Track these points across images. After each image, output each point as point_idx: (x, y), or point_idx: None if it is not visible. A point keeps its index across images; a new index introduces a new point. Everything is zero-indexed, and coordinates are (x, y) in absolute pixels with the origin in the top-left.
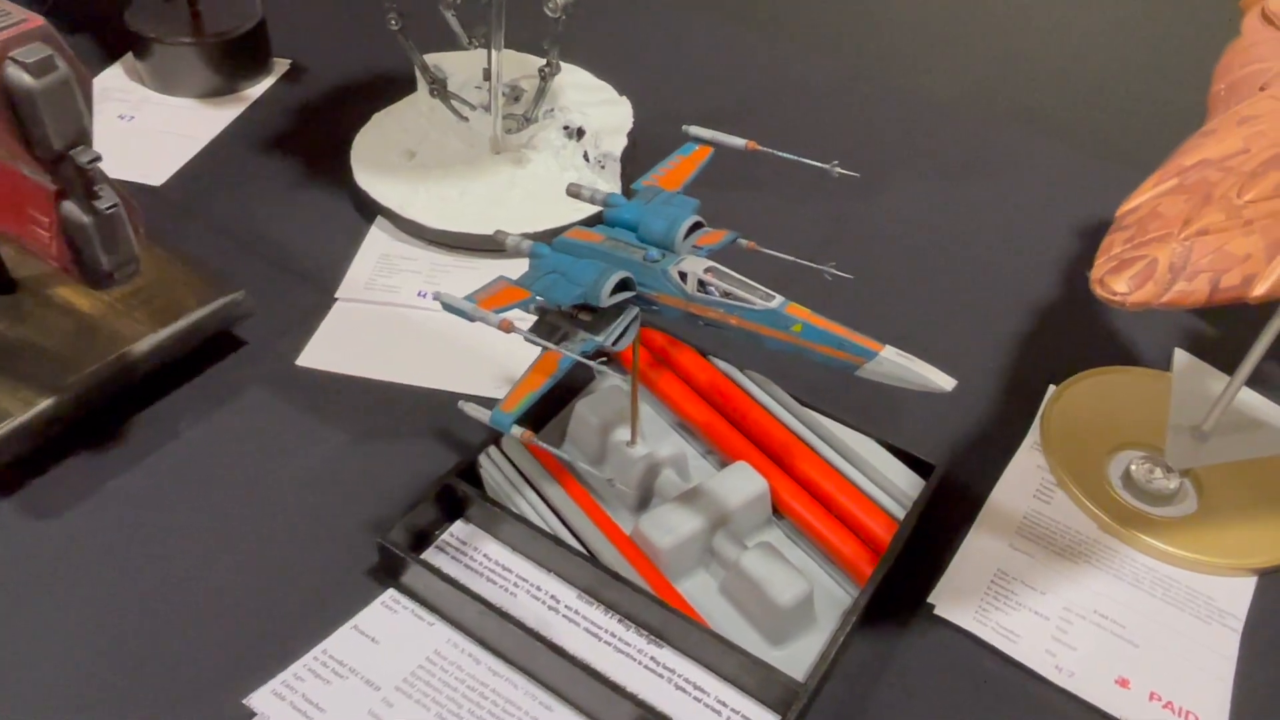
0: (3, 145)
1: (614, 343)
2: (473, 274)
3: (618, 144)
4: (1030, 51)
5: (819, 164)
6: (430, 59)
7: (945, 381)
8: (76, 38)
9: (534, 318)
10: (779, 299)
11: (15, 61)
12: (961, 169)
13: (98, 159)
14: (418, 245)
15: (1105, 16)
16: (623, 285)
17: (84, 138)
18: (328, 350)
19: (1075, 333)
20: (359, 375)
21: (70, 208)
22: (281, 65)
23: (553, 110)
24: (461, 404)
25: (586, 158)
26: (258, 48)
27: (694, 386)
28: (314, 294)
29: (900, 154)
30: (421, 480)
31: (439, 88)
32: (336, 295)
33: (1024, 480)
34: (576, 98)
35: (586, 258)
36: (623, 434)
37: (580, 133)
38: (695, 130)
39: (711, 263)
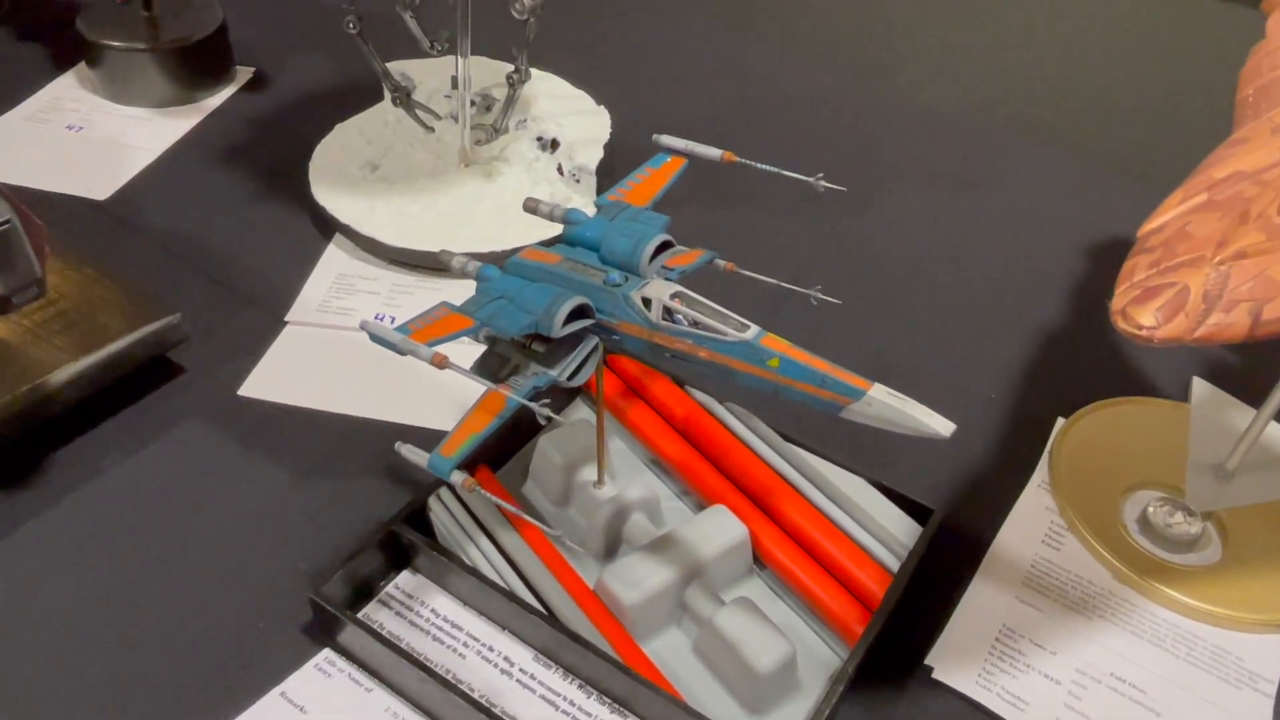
0: None
1: (570, 377)
2: (435, 296)
3: (593, 156)
4: (1030, 61)
5: (801, 176)
6: (396, 66)
7: (943, 426)
8: (29, 45)
9: (485, 349)
10: (754, 329)
11: None
12: (960, 183)
13: None
14: (378, 265)
15: (1106, 24)
16: (580, 312)
17: None
18: (273, 378)
19: (1084, 360)
20: (306, 406)
21: None
22: (244, 74)
23: (525, 121)
24: (399, 446)
25: (561, 171)
26: (218, 55)
27: (669, 420)
28: (262, 317)
29: (895, 168)
30: (367, 525)
31: (402, 96)
32: (286, 318)
33: (1031, 524)
34: (551, 107)
35: (540, 281)
36: (590, 472)
37: (554, 144)
38: (667, 140)
39: (679, 287)
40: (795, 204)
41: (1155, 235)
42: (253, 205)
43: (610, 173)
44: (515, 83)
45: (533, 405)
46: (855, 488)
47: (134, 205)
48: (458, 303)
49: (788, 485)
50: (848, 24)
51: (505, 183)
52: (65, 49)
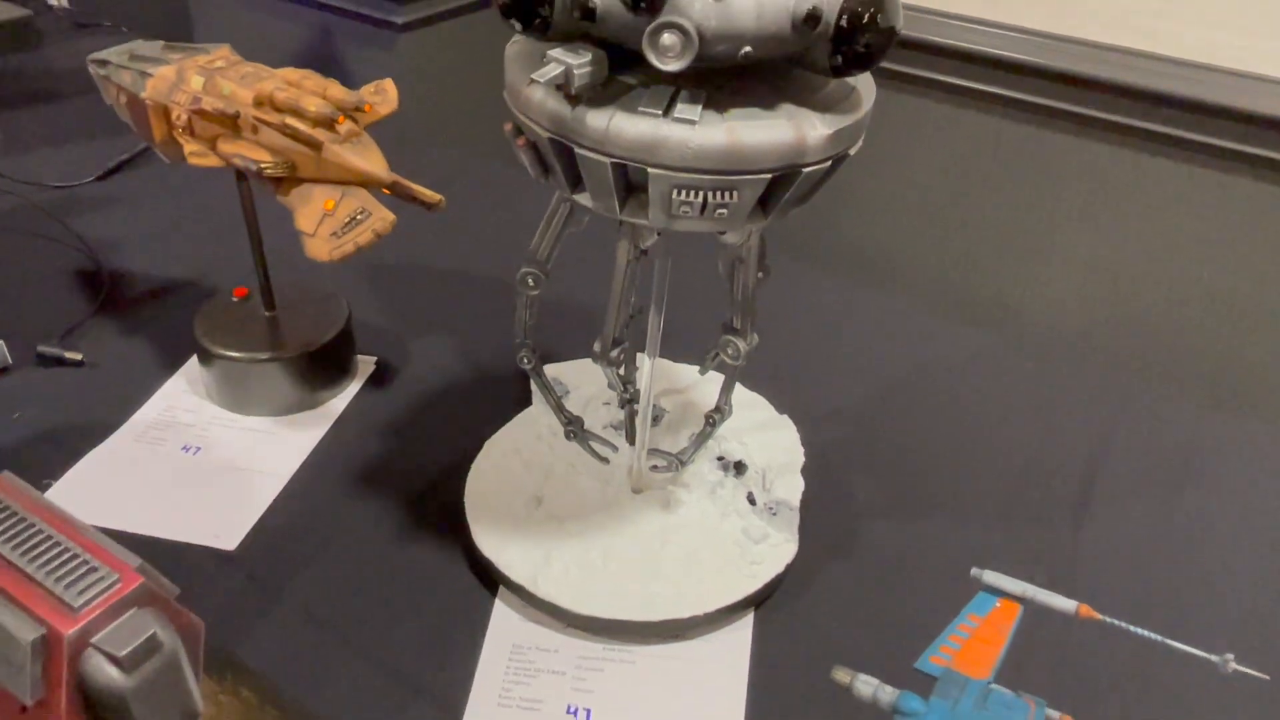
0: None
1: None
2: (631, 669)
3: (793, 488)
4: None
5: (1198, 651)
6: (550, 370)
7: None
8: (133, 340)
9: None
10: None
11: (101, 651)
12: (1174, 473)
13: None
14: (556, 629)
15: None
16: None
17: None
18: None
19: None
20: None
21: None
22: (366, 365)
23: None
24: None
25: (752, 500)
26: (344, 353)
27: None
28: (436, 713)
29: (1092, 448)
30: None
31: (576, 429)
32: (465, 718)
33: None
34: (729, 420)
35: None
36: None
37: (739, 467)
38: (992, 577)
39: None
40: (996, 520)
41: None
42: (400, 548)
43: (807, 504)
44: (715, 421)
45: None
46: None
47: (267, 554)
48: None
49: None
50: (989, 275)
51: (688, 515)
52: (172, 346)
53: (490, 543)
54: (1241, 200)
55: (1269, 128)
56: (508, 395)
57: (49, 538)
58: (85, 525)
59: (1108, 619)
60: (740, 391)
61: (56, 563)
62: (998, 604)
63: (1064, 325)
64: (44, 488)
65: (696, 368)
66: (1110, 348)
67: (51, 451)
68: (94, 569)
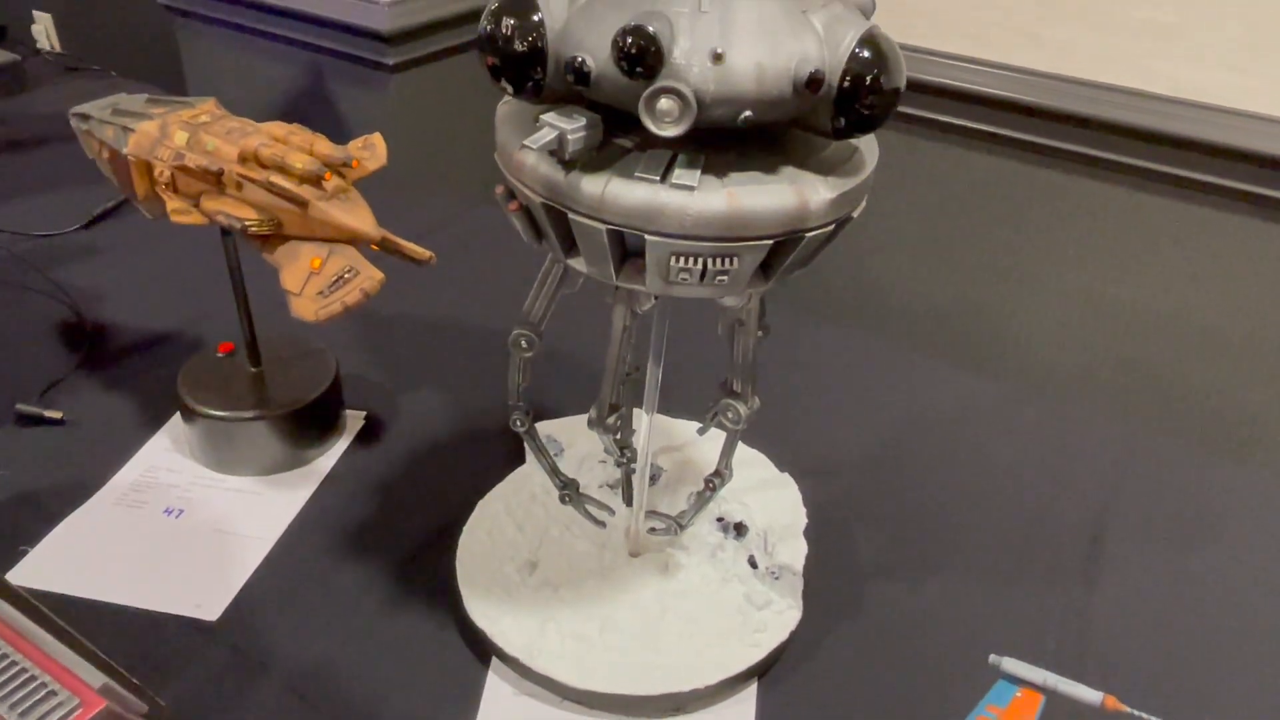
0: None
1: None
2: None
3: (796, 552)
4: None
5: None
6: (543, 429)
7: None
8: (117, 396)
9: None
10: None
11: None
12: (1180, 529)
13: None
14: (552, 703)
15: None
16: None
17: None
18: None
19: None
20: None
21: None
22: (355, 420)
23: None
24: None
25: (753, 563)
26: (332, 409)
27: None
28: None
29: (1099, 506)
30: None
31: (571, 493)
32: None
33: None
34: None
35: None
36: None
37: (741, 529)
38: (1011, 665)
39: None
40: (1012, 578)
41: None
42: (389, 616)
43: (810, 567)
44: (716, 486)
45: None
46: None
47: (251, 626)
48: None
49: None
50: (991, 326)
51: (688, 580)
52: (155, 403)
53: (483, 612)
54: (1240, 238)
55: (1267, 166)
56: (500, 450)
57: (4, 656)
58: (46, 636)
59: (1136, 713)
60: (740, 448)
61: (12, 686)
62: (1018, 694)
63: (1065, 367)
64: (20, 554)
65: (694, 424)
66: (1112, 390)
67: (29, 515)
68: (52, 693)
